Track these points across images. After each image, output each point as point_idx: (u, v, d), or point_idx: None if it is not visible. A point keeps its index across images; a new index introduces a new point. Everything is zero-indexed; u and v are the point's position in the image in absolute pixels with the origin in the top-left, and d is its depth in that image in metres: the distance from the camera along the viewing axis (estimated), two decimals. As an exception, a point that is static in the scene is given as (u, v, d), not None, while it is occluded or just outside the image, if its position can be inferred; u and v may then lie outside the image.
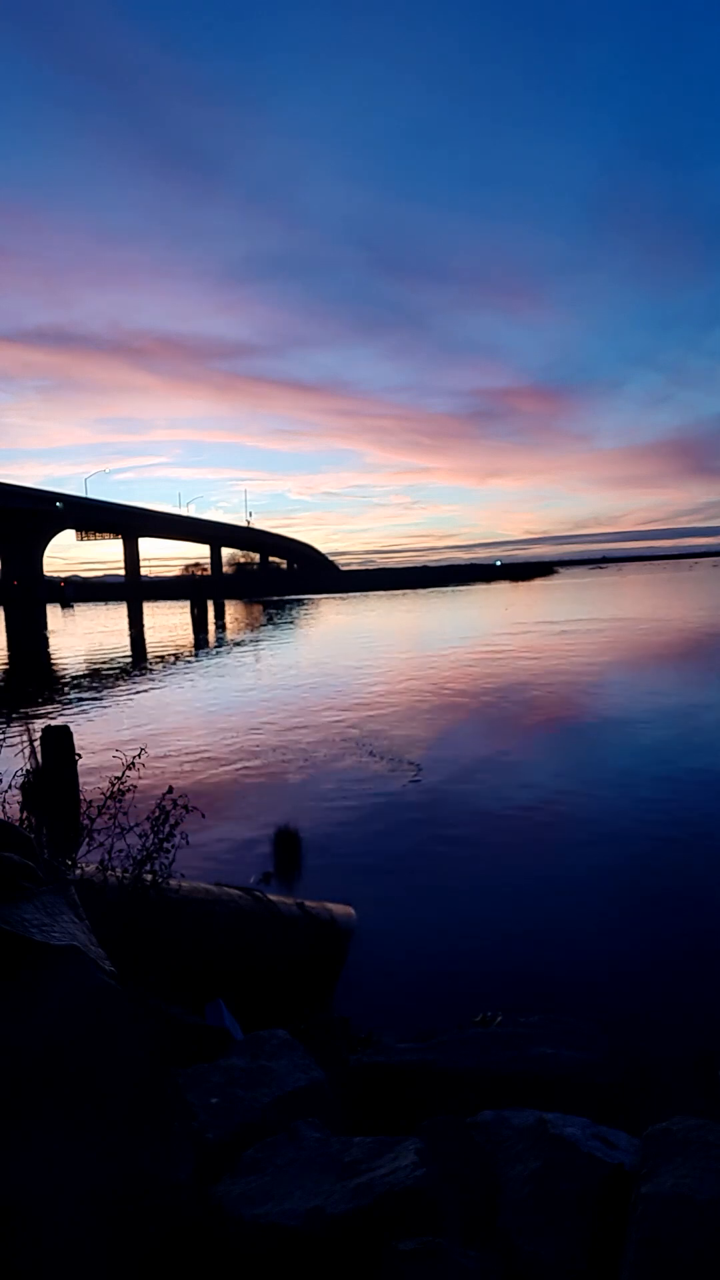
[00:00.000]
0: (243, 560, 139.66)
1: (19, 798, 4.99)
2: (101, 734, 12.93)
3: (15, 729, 13.28)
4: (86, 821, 4.61)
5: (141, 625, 45.37)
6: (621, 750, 10.93)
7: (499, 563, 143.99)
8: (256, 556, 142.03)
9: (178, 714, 15.50)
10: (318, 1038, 3.32)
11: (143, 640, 35.39)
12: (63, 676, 23.14)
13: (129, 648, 32.23)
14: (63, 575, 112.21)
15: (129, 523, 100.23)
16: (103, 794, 4.68)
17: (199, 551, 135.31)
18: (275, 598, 79.06)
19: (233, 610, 59.86)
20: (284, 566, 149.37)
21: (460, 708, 14.69)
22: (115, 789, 4.67)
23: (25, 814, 4.67)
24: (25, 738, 6.06)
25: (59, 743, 8.22)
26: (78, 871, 4.03)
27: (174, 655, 28.00)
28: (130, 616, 55.22)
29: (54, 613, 64.87)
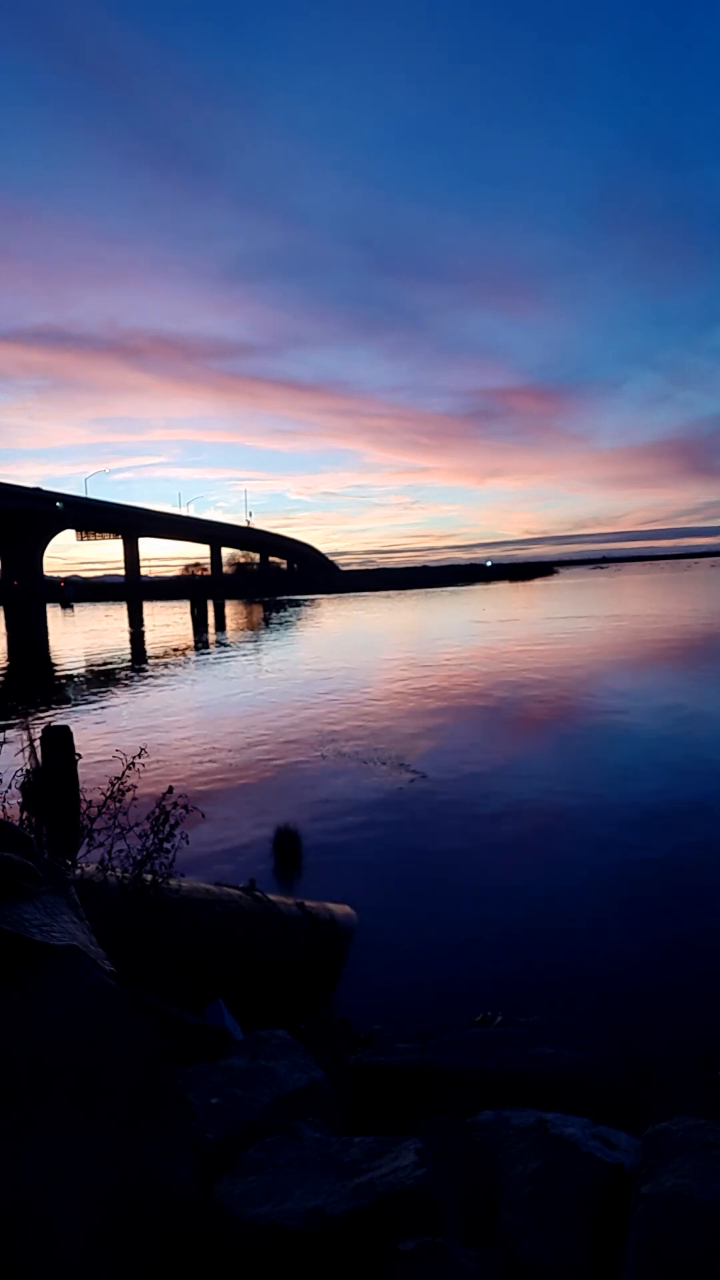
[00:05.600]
0: (243, 560, 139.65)
1: (19, 798, 4.99)
2: (101, 734, 12.93)
3: (15, 729, 13.28)
4: (86, 821, 4.61)
5: (141, 625, 45.38)
6: (617, 748, 10.94)
7: (490, 563, 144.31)
8: (256, 556, 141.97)
9: (178, 714, 15.50)
10: (318, 1038, 3.32)
11: (143, 640, 35.40)
12: (63, 677, 23.14)
13: (129, 648, 32.23)
14: (63, 575, 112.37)
15: (129, 523, 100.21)
16: (103, 794, 4.68)
17: (199, 551, 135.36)
18: (275, 598, 79.08)
19: (233, 610, 59.86)
20: (284, 566, 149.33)
21: (454, 707, 14.69)
22: (115, 789, 4.68)
23: (25, 814, 4.67)
24: (25, 738, 6.05)
25: (59, 743, 8.22)
26: (78, 871, 4.03)
27: (174, 656, 28.00)
28: (130, 617, 55.22)
29: (54, 613, 64.86)
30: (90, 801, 4.72)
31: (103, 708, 16.51)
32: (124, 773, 4.78)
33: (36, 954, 2.05)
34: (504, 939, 5.62)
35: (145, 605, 72.86)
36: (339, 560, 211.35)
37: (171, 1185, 1.82)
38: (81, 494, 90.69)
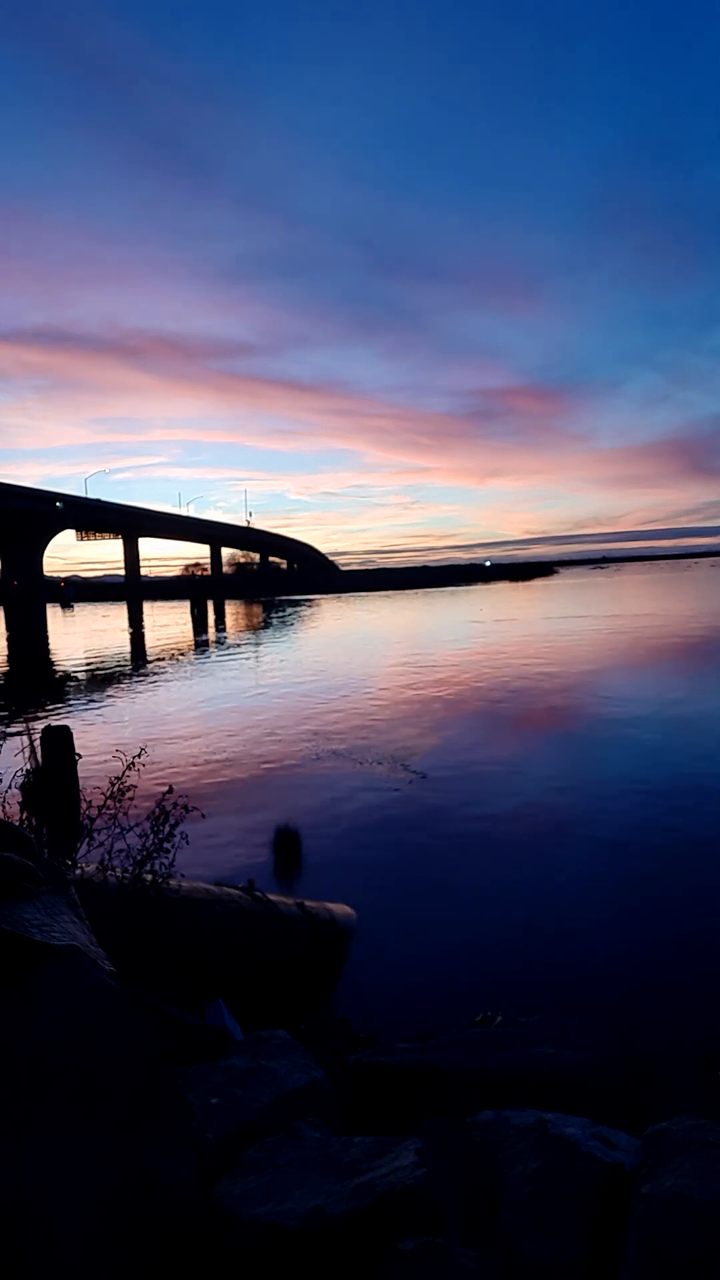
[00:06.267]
0: (243, 560, 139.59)
1: (19, 798, 4.99)
2: (101, 734, 12.93)
3: (15, 729, 13.27)
4: (86, 821, 4.61)
5: (141, 625, 45.37)
6: (612, 748, 10.94)
7: (488, 563, 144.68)
8: (256, 556, 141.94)
9: (178, 715, 15.50)
10: (318, 1038, 3.32)
11: (143, 641, 35.40)
12: (63, 677, 23.14)
13: (129, 648, 32.24)
14: (63, 575, 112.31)
15: (129, 523, 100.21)
16: (103, 794, 4.68)
17: (199, 551, 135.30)
18: (275, 598, 79.06)
19: (233, 610, 59.86)
20: (284, 566, 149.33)
21: (449, 707, 14.69)
22: (115, 789, 4.67)
23: (25, 814, 4.67)
24: (25, 738, 6.05)
25: (59, 743, 8.22)
26: (78, 871, 4.03)
27: (174, 656, 28.00)
28: (130, 617, 55.22)
29: (54, 613, 64.85)
30: (90, 801, 4.72)
31: (103, 708, 16.50)
32: (124, 773, 4.77)
33: (36, 954, 2.05)
34: (504, 939, 5.62)
35: (145, 605, 72.84)
36: (339, 560, 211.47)
37: (171, 1185, 1.82)
38: (81, 494, 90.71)
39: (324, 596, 77.70)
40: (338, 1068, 2.98)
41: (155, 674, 22.42)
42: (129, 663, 26.46)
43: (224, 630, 40.47)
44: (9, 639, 39.04)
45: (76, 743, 8.57)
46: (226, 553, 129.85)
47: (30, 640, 38.07)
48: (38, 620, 53.44)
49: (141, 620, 50.31)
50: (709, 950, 5.28)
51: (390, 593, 76.81)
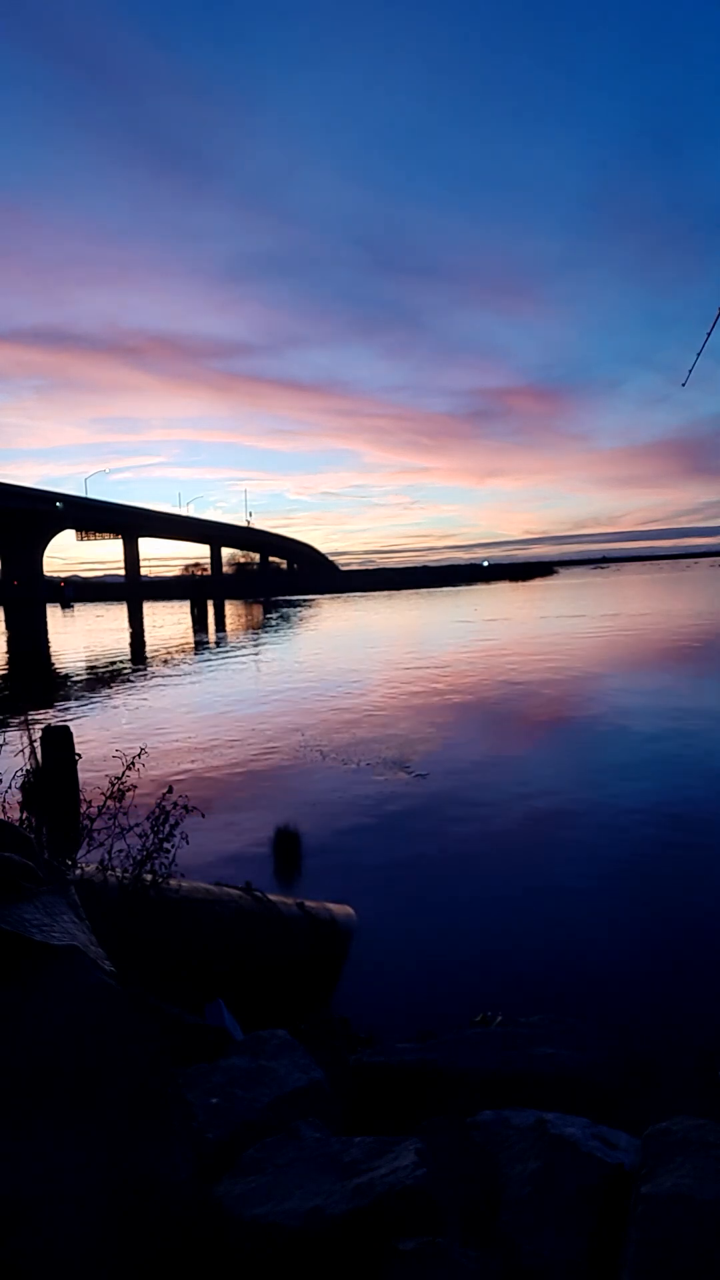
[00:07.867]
0: (243, 560, 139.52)
1: (19, 798, 4.99)
2: (101, 734, 12.93)
3: (15, 729, 13.28)
4: (86, 821, 4.61)
5: (141, 625, 45.37)
6: (607, 748, 10.94)
7: (486, 563, 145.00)
8: (256, 556, 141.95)
9: (178, 715, 15.50)
10: (318, 1038, 3.32)
11: (143, 641, 35.40)
12: (63, 677, 23.14)
13: (129, 648, 32.24)
14: (63, 575, 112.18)
15: (129, 523, 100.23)
16: (103, 794, 4.68)
17: (199, 551, 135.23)
18: (275, 598, 79.04)
19: (232, 611, 59.84)
20: (284, 566, 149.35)
21: (447, 705, 14.70)
22: (115, 789, 4.67)
23: (25, 814, 4.67)
24: (25, 738, 6.05)
25: (59, 743, 8.22)
26: (78, 871, 4.03)
27: (174, 656, 28.00)
28: (130, 617, 55.21)
29: (54, 613, 64.83)
30: (90, 801, 4.72)
31: (103, 708, 16.50)
32: (124, 773, 4.77)
33: (36, 954, 2.05)
34: (504, 939, 5.62)
35: (145, 605, 72.78)
36: (339, 560, 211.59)
37: (172, 1185, 1.82)
38: (81, 494, 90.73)
39: (324, 596, 77.66)
40: (338, 1068, 2.98)
41: (155, 674, 22.41)
42: (129, 663, 26.46)
43: (224, 630, 40.46)
44: (9, 639, 39.03)
45: (76, 743, 8.57)
46: (226, 553, 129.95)
47: (30, 640, 38.06)
48: (38, 620, 53.43)
49: (141, 620, 50.30)
50: (709, 951, 5.28)
51: (390, 593, 76.78)
